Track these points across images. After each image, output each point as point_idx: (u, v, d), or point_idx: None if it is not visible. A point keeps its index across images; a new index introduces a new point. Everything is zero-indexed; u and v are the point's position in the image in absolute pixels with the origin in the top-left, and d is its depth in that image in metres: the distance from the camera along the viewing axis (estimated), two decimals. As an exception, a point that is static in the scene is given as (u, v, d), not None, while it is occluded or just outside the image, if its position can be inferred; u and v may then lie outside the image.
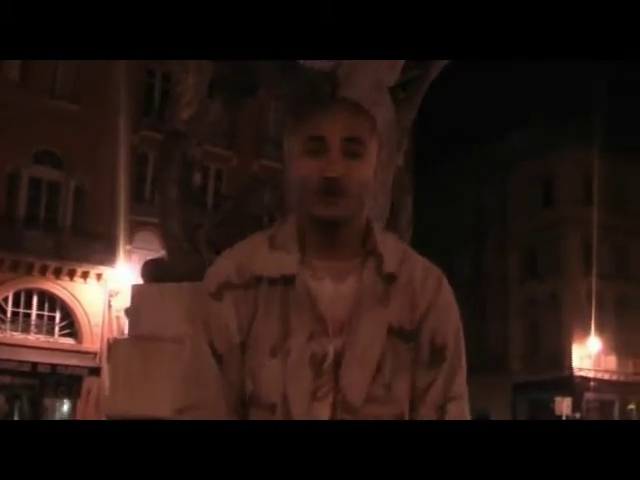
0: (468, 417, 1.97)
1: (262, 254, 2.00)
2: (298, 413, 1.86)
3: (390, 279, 1.96)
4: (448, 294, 2.04)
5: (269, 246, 2.01)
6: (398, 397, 1.92)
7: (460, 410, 1.96)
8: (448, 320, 2.01)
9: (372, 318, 1.93)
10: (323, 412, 1.87)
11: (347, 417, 1.86)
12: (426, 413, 1.94)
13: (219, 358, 1.94)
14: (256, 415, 1.90)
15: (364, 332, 1.92)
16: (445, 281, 2.04)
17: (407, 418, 1.92)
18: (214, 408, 1.89)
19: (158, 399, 4.18)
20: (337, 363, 1.90)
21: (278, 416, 1.86)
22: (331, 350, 1.90)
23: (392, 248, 2.01)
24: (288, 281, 1.95)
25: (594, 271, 44.15)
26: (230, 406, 1.91)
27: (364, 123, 2.00)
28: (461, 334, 2.03)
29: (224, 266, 2.02)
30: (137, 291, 5.43)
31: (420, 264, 2.03)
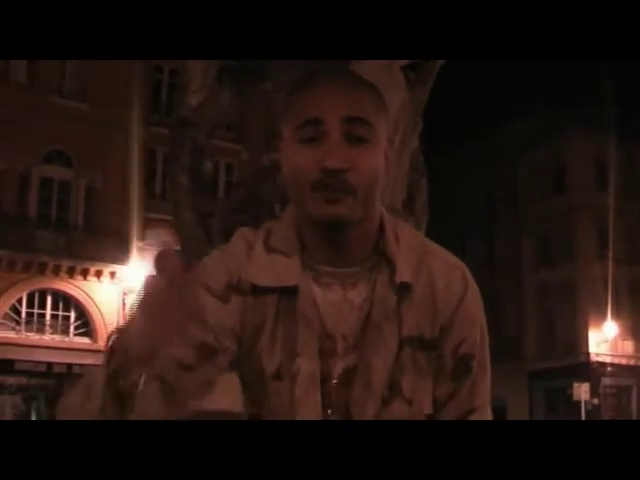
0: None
1: (256, 258, 1.70)
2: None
3: (404, 290, 1.68)
4: (474, 294, 1.75)
5: (264, 248, 1.71)
6: (419, 413, 1.70)
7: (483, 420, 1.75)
8: (474, 325, 1.74)
9: (383, 333, 1.66)
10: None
11: None
12: None
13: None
14: None
15: (372, 352, 1.66)
16: (470, 278, 1.76)
17: None
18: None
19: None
20: (345, 384, 1.67)
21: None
22: (339, 371, 1.67)
23: (408, 249, 1.71)
24: (289, 292, 1.67)
25: (610, 255, 44.01)
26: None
27: (368, 98, 1.65)
28: (487, 337, 1.77)
29: (231, 263, 1.70)
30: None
31: (442, 262, 1.73)
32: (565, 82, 68.08)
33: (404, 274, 1.67)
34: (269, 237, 1.73)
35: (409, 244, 1.73)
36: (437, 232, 1.85)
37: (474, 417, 1.74)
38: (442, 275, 1.71)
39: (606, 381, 45.10)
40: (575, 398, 36.66)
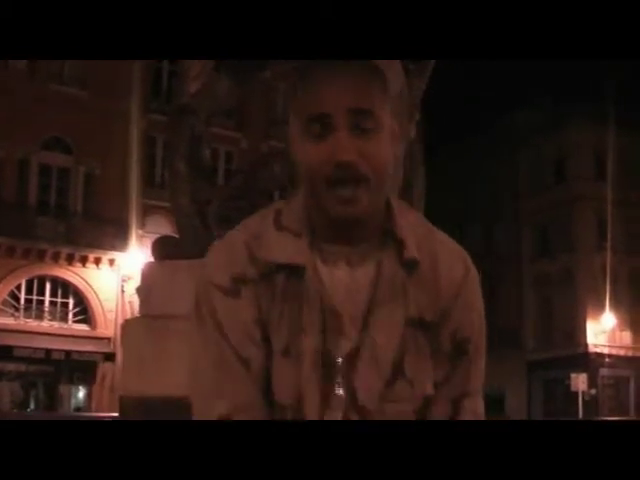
0: (483, 414, 1.80)
1: (267, 236, 1.74)
2: (311, 417, 1.67)
3: (412, 265, 1.72)
4: (475, 280, 1.80)
5: (274, 227, 1.75)
6: (421, 393, 1.73)
7: (475, 407, 1.78)
8: (473, 310, 1.78)
9: (390, 312, 1.70)
10: (336, 415, 1.68)
11: (361, 419, 1.68)
12: (439, 408, 1.75)
13: (246, 362, 1.70)
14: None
15: (379, 329, 1.69)
16: (471, 264, 1.80)
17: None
18: (256, 409, 1.69)
19: (170, 377, 4.14)
20: (351, 362, 1.69)
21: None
22: (345, 349, 1.69)
23: (413, 226, 1.76)
24: (298, 270, 1.70)
25: (609, 246, 44.05)
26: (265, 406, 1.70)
27: (373, 85, 1.69)
28: (484, 322, 1.81)
29: (235, 255, 1.74)
30: (148, 269, 5.40)
31: (446, 245, 1.79)
32: (566, 73, 67.96)
33: (412, 250, 1.72)
34: (279, 216, 1.77)
35: (414, 224, 1.78)
36: (436, 221, 1.84)
37: (467, 403, 1.77)
38: (445, 259, 1.76)
39: (604, 372, 45.20)
40: (573, 388, 36.73)
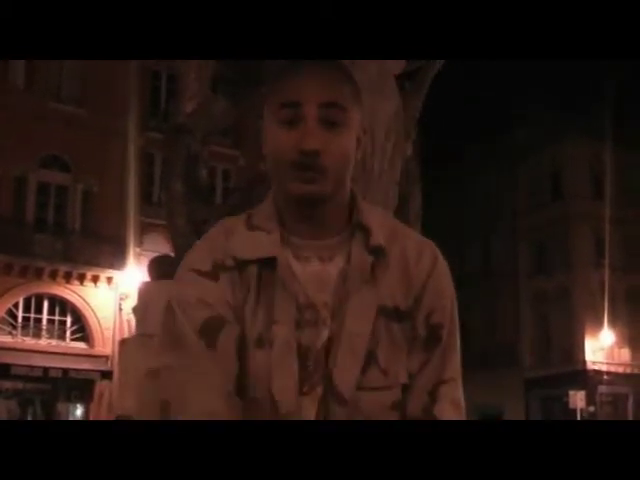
0: (462, 400, 1.83)
1: (239, 236, 1.81)
2: (285, 408, 1.70)
3: (378, 253, 1.78)
4: (444, 268, 1.86)
5: (246, 227, 1.82)
6: (395, 383, 1.77)
7: (452, 393, 1.81)
8: (444, 297, 1.83)
9: (360, 299, 1.75)
10: (311, 405, 1.72)
11: (338, 409, 1.71)
12: (416, 399, 1.78)
13: (219, 324, 1.72)
14: (244, 410, 1.72)
15: (352, 316, 1.74)
16: (439, 254, 1.87)
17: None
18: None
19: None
20: (327, 352, 1.74)
21: (265, 412, 1.71)
22: (320, 340, 1.74)
23: (380, 221, 1.84)
24: (270, 264, 1.76)
25: (607, 263, 44.00)
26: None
27: (345, 86, 1.79)
28: (456, 310, 1.87)
29: (215, 245, 1.81)
30: (145, 289, 5.42)
31: (413, 238, 1.87)
32: (562, 90, 67.94)
33: (378, 238, 1.79)
34: (251, 218, 1.85)
35: (381, 219, 1.86)
36: (434, 239, 1.92)
37: (444, 389, 1.80)
38: (413, 249, 1.84)
39: (602, 389, 45.07)
40: (571, 406, 36.61)
